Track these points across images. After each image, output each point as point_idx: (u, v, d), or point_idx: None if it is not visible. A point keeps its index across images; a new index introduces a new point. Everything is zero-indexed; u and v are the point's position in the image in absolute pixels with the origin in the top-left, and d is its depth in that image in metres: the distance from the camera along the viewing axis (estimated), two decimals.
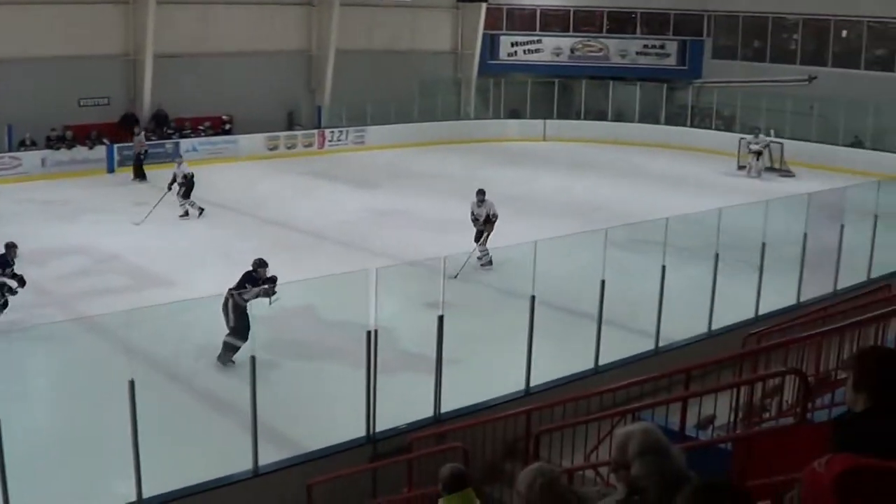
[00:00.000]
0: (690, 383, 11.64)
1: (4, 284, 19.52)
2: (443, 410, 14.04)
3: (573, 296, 19.28)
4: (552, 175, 38.78)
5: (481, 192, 25.69)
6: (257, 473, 12.40)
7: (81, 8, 37.73)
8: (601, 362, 16.36)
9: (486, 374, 16.32)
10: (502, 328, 18.06)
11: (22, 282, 19.60)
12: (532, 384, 15.18)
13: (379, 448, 13.22)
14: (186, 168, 30.54)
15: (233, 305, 16.94)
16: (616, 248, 18.80)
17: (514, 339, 15.62)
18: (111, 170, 37.82)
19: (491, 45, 51.96)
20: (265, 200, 32.60)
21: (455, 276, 21.29)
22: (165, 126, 40.33)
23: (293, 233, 28.28)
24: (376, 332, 13.18)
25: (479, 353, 17.40)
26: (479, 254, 24.33)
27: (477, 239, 24.97)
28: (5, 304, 19.66)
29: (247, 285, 17.28)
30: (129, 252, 25.37)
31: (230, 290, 17.14)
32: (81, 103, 38.58)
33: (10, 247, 19.71)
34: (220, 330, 17.15)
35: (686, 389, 11.17)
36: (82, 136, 37.71)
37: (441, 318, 14.00)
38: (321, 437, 13.56)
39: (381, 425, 13.39)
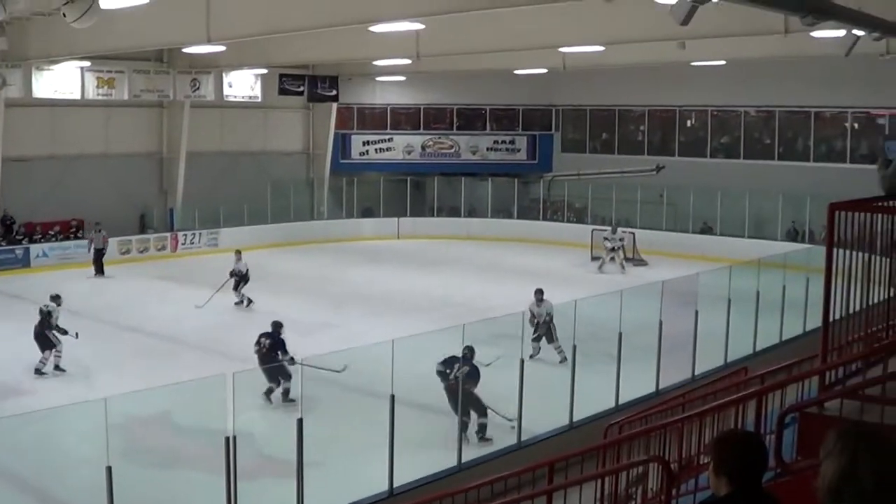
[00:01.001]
0: (555, 476, 11.69)
1: None
2: None
3: (433, 393, 19.25)
4: (408, 273, 38.88)
5: (540, 292, 25.58)
6: None
7: None
8: (464, 459, 16.36)
9: (349, 477, 16.21)
10: (363, 429, 17.98)
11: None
12: (396, 484, 15.11)
13: None
14: (243, 266, 32.62)
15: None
16: (474, 342, 18.87)
17: (376, 440, 15.57)
18: None
19: (343, 144, 52.10)
20: (119, 306, 32.01)
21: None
22: (13, 232, 39.54)
23: (149, 338, 27.79)
24: (235, 437, 13.03)
25: (341, 455, 17.26)
26: (557, 353, 24.00)
27: (538, 339, 24.57)
28: None
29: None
30: None
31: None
32: None
33: None
34: (68, 444, 16.79)
35: (550, 482, 11.19)
36: None
37: (300, 421, 13.90)
38: None
39: None
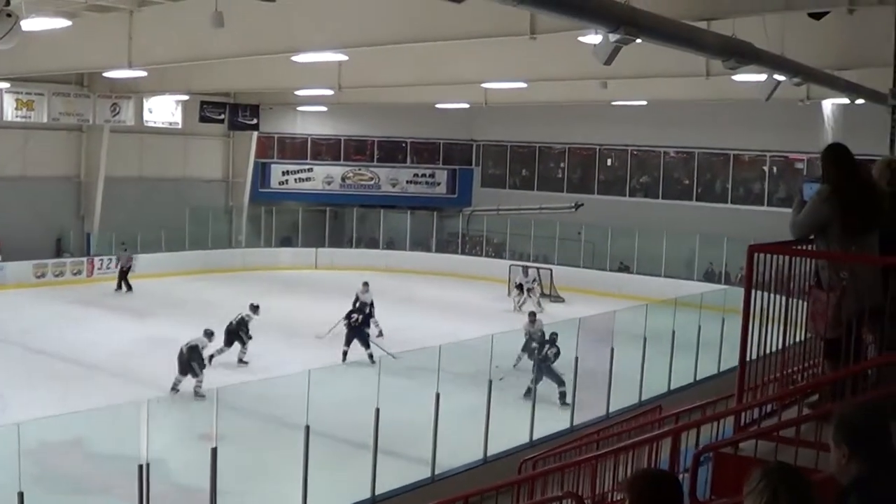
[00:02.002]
0: None
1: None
2: None
3: (349, 425, 19.21)
4: (325, 303, 38.68)
5: (532, 314, 28.72)
6: None
7: None
8: (378, 491, 16.32)
9: None
10: (278, 459, 17.89)
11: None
12: None
13: None
14: (369, 297, 32.84)
15: None
16: (390, 375, 18.84)
17: (290, 470, 15.50)
18: None
19: (262, 173, 51.92)
20: (33, 329, 31.46)
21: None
22: None
23: (63, 363, 27.42)
24: (148, 465, 12.91)
25: (255, 485, 17.17)
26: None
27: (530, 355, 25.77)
28: None
29: None
30: None
31: None
32: None
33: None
34: None
35: None
36: None
37: (214, 451, 13.81)
38: None
39: None
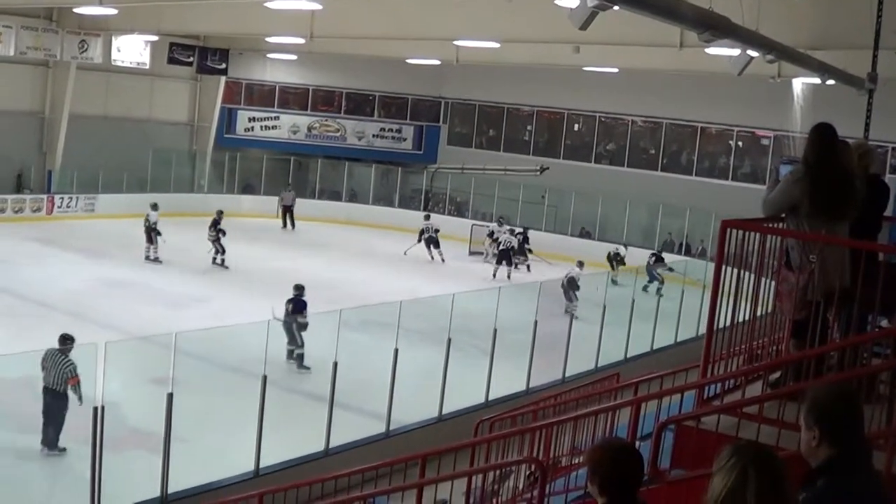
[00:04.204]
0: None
1: None
2: (171, 490, 13.74)
3: (305, 377, 19.21)
4: (285, 253, 38.65)
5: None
6: None
7: None
8: (332, 444, 16.33)
9: (216, 454, 16.08)
10: (233, 408, 17.83)
11: None
12: (262, 465, 15.03)
13: None
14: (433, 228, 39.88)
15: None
16: (349, 329, 18.81)
17: (245, 419, 15.47)
18: None
19: (228, 118, 51.50)
20: None
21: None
22: None
23: (18, 301, 27.20)
24: (103, 407, 12.85)
25: (209, 433, 17.14)
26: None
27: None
28: None
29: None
30: None
31: None
32: None
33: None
34: None
35: (422, 476, 11.19)
36: None
37: (170, 396, 13.75)
38: None
39: None
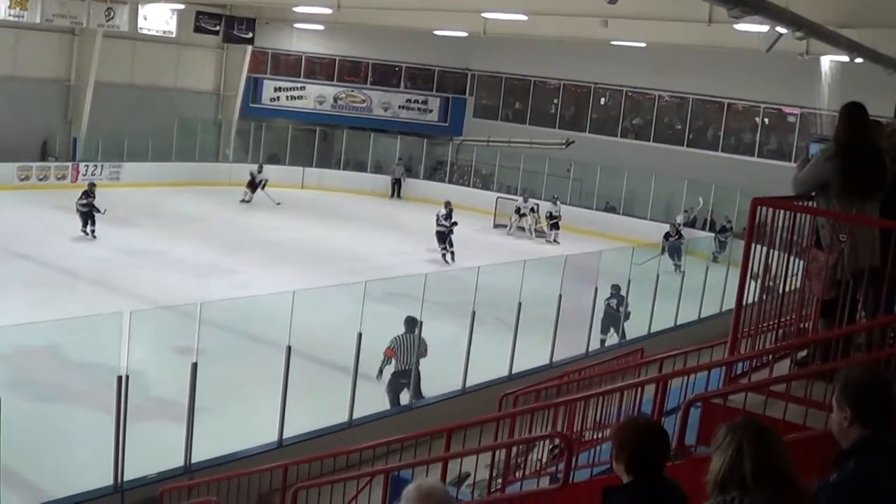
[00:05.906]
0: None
1: None
2: (194, 460, 13.75)
3: (330, 348, 19.19)
4: (309, 223, 38.64)
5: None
6: None
7: None
8: (356, 416, 16.32)
9: (240, 425, 16.11)
10: (257, 378, 17.86)
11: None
12: (285, 436, 15.03)
13: (127, 498, 12.84)
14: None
15: None
16: (374, 301, 18.78)
17: (269, 390, 15.47)
18: None
19: (254, 88, 51.52)
20: (15, 233, 31.17)
21: None
22: None
23: (44, 269, 27.29)
24: (127, 377, 12.85)
25: (232, 403, 17.17)
26: None
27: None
28: None
29: None
30: None
31: None
32: None
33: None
34: None
35: (447, 449, 11.16)
36: None
37: (195, 366, 13.75)
38: (66, 484, 13.10)
39: (130, 474, 13.00)
